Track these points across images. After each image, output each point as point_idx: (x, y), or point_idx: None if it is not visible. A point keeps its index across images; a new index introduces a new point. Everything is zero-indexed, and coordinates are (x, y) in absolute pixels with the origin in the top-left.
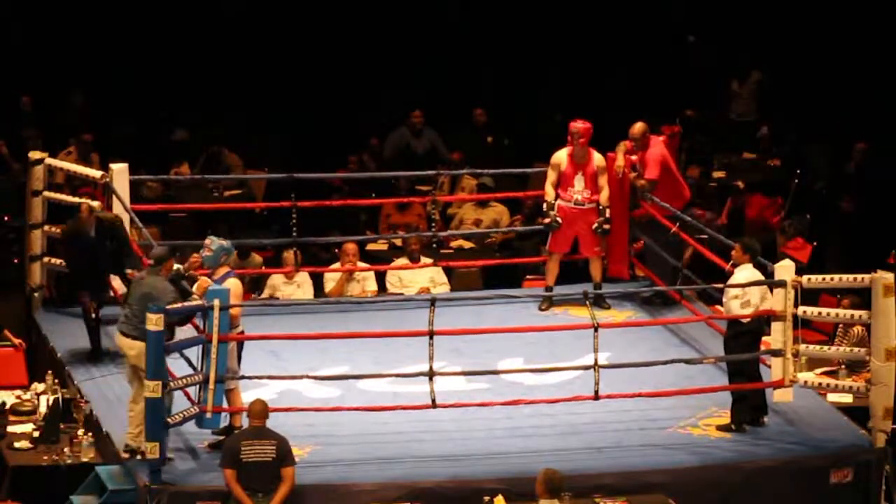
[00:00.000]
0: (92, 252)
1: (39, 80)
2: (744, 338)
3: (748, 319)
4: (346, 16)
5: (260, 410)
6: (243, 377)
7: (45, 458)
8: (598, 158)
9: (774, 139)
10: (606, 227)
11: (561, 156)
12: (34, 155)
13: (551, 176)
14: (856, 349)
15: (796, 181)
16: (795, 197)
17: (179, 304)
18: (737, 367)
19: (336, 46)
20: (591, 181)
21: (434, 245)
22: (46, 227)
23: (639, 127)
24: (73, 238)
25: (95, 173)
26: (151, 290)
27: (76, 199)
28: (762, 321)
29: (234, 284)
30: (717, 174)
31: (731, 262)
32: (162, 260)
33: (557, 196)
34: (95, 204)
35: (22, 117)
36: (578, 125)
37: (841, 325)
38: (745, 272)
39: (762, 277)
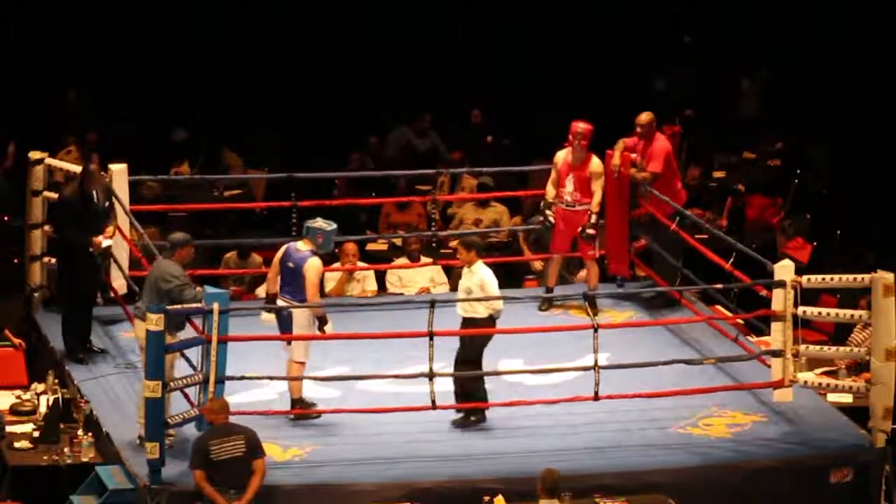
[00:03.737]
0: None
1: (36, 80)
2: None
3: (483, 319)
4: (347, 15)
5: (221, 406)
6: (244, 377)
7: (45, 458)
8: (595, 164)
9: (776, 140)
10: (590, 231)
11: (560, 155)
12: (34, 155)
13: (552, 174)
14: (856, 349)
15: (796, 181)
16: (795, 197)
17: (179, 305)
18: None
19: (336, 46)
20: (582, 184)
21: (434, 245)
22: (46, 227)
23: (646, 116)
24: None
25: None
26: (162, 273)
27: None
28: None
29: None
30: (717, 174)
31: (462, 264)
32: (177, 245)
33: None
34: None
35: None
36: (581, 126)
37: (858, 327)
38: (484, 270)
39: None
